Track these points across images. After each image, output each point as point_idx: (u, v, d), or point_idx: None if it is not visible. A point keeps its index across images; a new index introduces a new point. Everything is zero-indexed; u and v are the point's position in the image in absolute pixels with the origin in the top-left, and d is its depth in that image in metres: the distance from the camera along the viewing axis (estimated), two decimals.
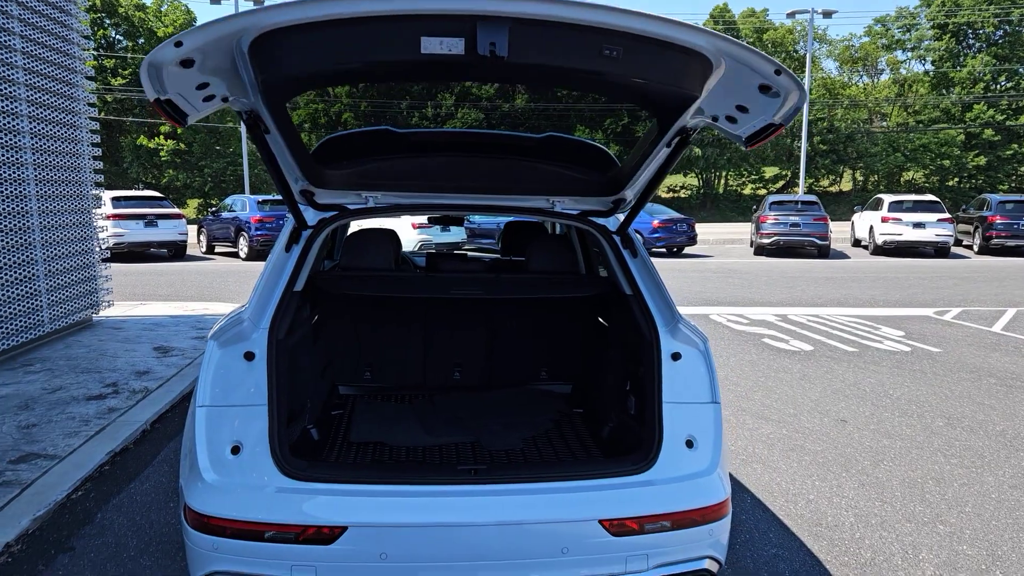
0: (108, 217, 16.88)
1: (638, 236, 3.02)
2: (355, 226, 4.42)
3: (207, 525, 2.14)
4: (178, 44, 1.83)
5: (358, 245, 3.42)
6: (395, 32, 1.82)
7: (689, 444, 2.42)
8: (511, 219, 4.46)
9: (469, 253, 5.71)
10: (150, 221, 17.66)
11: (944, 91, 43.92)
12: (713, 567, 2.36)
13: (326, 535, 2.11)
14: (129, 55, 42.65)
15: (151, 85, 1.96)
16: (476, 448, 3.07)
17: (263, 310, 2.49)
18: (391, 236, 3.61)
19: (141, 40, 43.56)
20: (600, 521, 2.19)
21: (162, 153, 40.22)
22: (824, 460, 4.63)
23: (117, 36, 43.57)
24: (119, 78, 40.86)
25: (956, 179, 42.08)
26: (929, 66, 45.76)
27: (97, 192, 8.73)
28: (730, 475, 4.25)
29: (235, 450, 2.26)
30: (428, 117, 38.88)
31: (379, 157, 2.95)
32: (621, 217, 3.06)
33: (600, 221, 3.01)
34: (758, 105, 2.18)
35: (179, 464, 2.46)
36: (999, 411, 5.69)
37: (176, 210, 18.86)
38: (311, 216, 2.88)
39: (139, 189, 30.18)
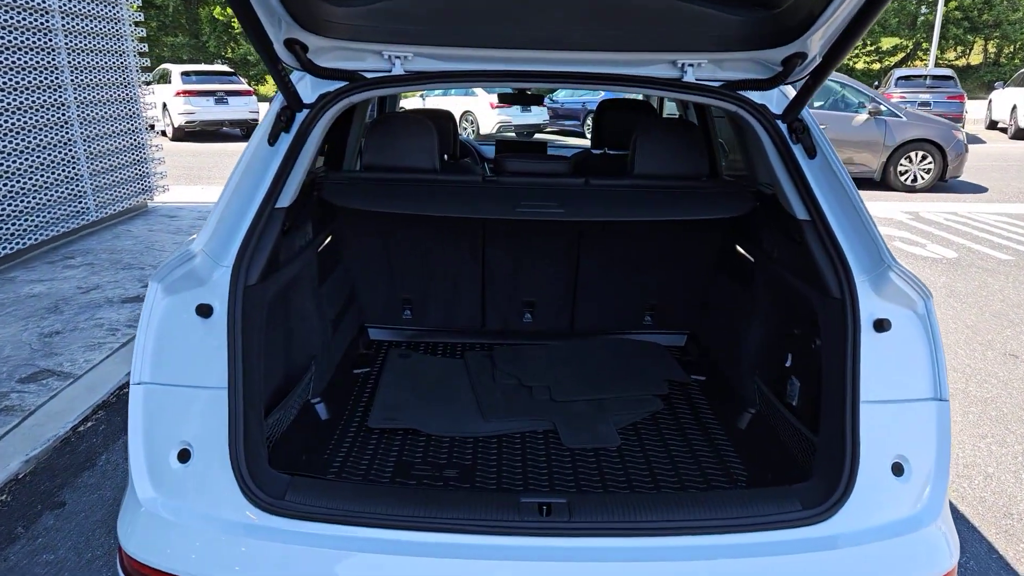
0: (177, 94, 16.38)
1: (819, 125, 1.92)
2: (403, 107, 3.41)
3: None
4: None
5: (385, 134, 2.43)
6: None
7: (897, 470, 1.49)
8: (606, 95, 3.35)
9: (550, 147, 4.53)
10: (220, 98, 16.94)
11: None
12: None
13: None
14: None
15: None
16: (549, 441, 2.19)
17: (228, 239, 1.64)
18: (439, 122, 2.61)
19: None
20: None
21: (235, 23, 39.08)
22: (998, 413, 3.60)
23: None
24: None
25: None
26: None
27: (143, 62, 7.98)
28: None
29: (184, 456, 1.49)
30: None
31: None
32: (791, 93, 1.96)
33: (755, 97, 1.93)
34: None
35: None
36: None
37: (245, 86, 18.07)
38: (308, 90, 1.93)
39: (218, 64, 29.44)
